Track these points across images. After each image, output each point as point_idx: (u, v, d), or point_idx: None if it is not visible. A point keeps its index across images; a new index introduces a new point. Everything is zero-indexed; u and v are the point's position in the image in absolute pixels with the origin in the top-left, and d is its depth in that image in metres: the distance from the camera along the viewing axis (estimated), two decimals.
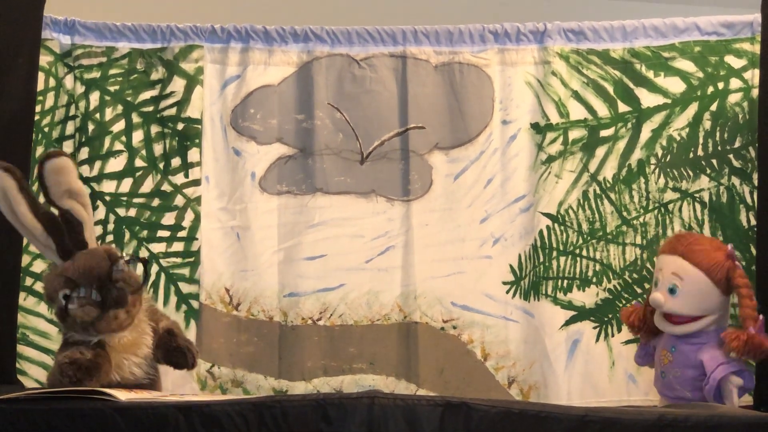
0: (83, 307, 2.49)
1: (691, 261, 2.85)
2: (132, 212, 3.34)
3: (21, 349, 3.21)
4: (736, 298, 2.83)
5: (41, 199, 2.61)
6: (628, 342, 3.26)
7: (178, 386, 2.78)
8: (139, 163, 3.36)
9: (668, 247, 2.94)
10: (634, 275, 3.29)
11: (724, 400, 2.78)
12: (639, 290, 3.28)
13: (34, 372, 3.25)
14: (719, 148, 3.32)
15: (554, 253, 3.34)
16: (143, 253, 3.32)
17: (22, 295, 3.21)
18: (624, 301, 3.28)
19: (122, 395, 2.25)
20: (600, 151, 3.36)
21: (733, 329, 2.80)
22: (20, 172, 2.54)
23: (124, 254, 2.61)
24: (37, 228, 2.55)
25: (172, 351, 2.65)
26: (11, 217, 2.54)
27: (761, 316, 2.76)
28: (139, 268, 2.64)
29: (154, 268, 3.33)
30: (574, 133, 3.36)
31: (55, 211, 2.59)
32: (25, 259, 3.22)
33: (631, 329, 3.06)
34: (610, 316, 3.29)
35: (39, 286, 3.24)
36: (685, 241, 2.91)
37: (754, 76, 3.28)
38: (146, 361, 2.61)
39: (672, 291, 2.86)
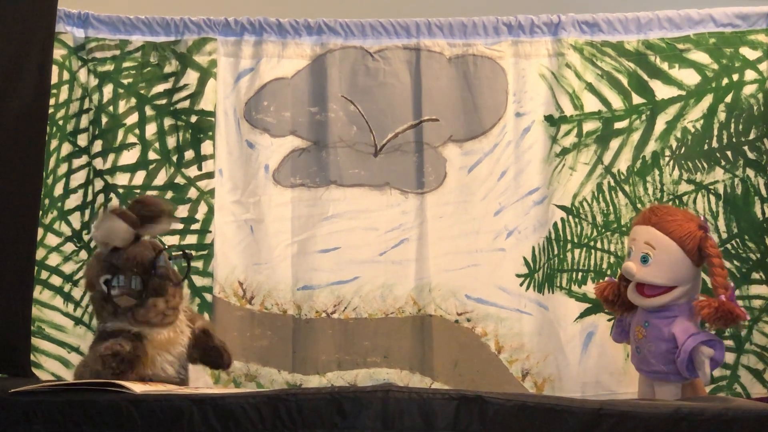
0: (124, 293, 2.50)
1: (663, 231, 2.85)
2: None
3: (36, 342, 3.23)
4: (708, 267, 2.83)
5: None
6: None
7: (192, 380, 2.78)
8: (152, 155, 3.37)
9: (642, 218, 2.94)
10: None
11: (696, 371, 2.78)
12: None
13: (50, 365, 3.27)
14: (734, 139, 3.31)
15: (568, 246, 3.34)
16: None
17: (37, 288, 3.23)
18: None
19: (137, 387, 2.25)
20: (614, 143, 3.35)
21: (704, 298, 2.80)
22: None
23: (168, 247, 2.63)
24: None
25: (210, 350, 2.67)
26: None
27: (732, 284, 2.77)
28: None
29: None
30: (588, 126, 3.35)
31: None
32: (41, 253, 3.24)
33: (605, 304, 3.04)
34: None
35: (54, 280, 3.27)
36: (658, 211, 2.91)
37: None
38: (179, 359, 2.62)
39: (644, 260, 2.86)
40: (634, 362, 2.97)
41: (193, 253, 3.31)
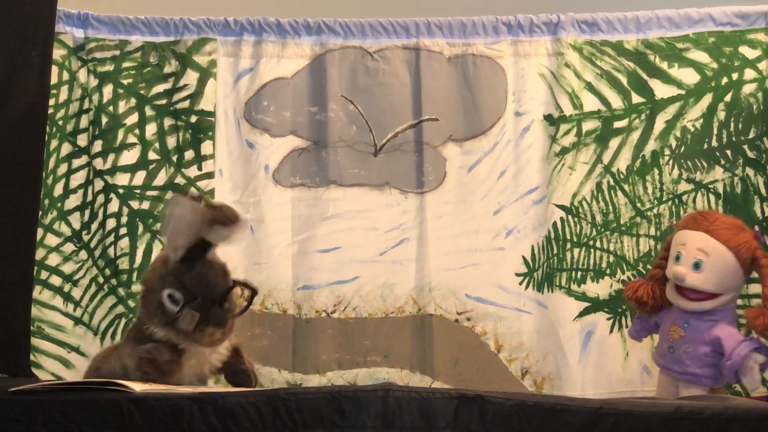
0: (190, 319, 2.49)
1: (718, 238, 2.84)
2: (145, 205, 3.35)
3: (36, 342, 3.23)
4: (761, 278, 2.82)
5: None
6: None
7: None
8: (152, 155, 3.37)
9: (692, 223, 2.91)
10: (648, 266, 3.27)
11: (741, 377, 2.77)
12: None
13: (50, 365, 3.27)
14: (733, 138, 3.31)
15: (568, 245, 3.34)
16: (157, 247, 3.33)
17: (37, 288, 3.23)
18: None
19: (137, 387, 2.25)
20: (614, 143, 3.35)
21: (757, 307, 2.79)
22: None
23: (237, 279, 2.61)
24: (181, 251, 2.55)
25: (239, 373, 2.67)
26: (179, 235, 2.52)
27: None
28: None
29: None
30: (588, 125, 3.36)
31: None
32: (40, 253, 3.24)
33: (637, 304, 3.00)
34: (624, 307, 3.29)
35: (54, 280, 3.27)
36: (710, 218, 2.90)
37: None
38: (208, 375, 2.62)
39: (697, 266, 2.84)
40: (662, 361, 2.95)
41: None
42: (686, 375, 2.86)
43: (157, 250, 3.33)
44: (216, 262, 2.59)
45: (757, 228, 2.91)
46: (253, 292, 2.63)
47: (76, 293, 3.33)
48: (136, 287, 3.30)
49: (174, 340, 2.52)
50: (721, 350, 2.81)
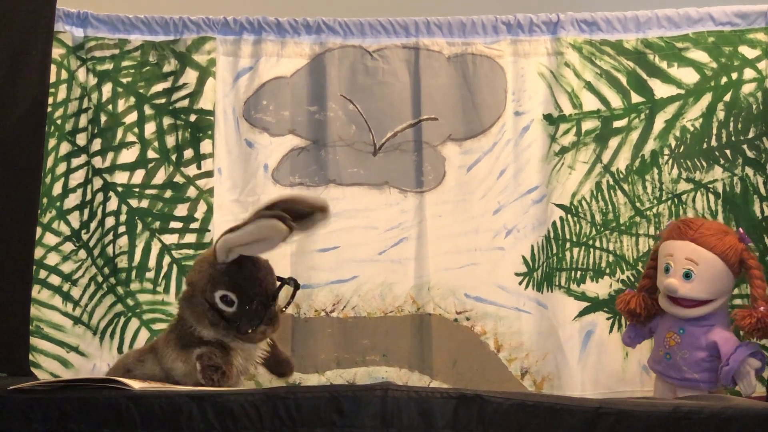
0: (247, 320, 2.50)
1: (705, 246, 2.84)
2: (144, 203, 3.35)
3: (35, 341, 3.23)
4: (748, 279, 2.84)
5: None
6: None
7: None
8: (151, 154, 3.37)
9: (676, 233, 2.92)
10: None
11: (738, 381, 2.78)
12: None
13: (49, 365, 3.27)
14: (733, 138, 3.31)
15: (567, 244, 3.34)
16: (156, 245, 3.33)
17: (36, 287, 3.23)
18: None
19: (136, 384, 2.25)
20: (613, 142, 3.35)
21: (744, 309, 2.80)
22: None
23: (282, 277, 2.63)
24: (248, 252, 2.55)
25: (281, 362, 2.71)
26: (246, 242, 2.52)
27: None
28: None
29: (166, 260, 3.34)
30: (587, 124, 3.36)
31: None
32: (39, 252, 3.24)
33: (630, 316, 3.02)
34: None
35: (53, 279, 3.27)
36: (694, 225, 2.91)
37: (767, 66, 3.28)
38: (249, 371, 2.62)
39: (687, 276, 2.84)
40: (659, 368, 2.95)
41: (192, 252, 3.33)
42: (684, 381, 2.86)
43: (155, 248, 3.33)
44: (262, 260, 2.60)
45: (741, 230, 2.92)
46: (297, 287, 2.64)
47: (75, 292, 3.32)
48: (135, 285, 3.31)
49: (224, 340, 2.52)
50: (717, 355, 2.82)
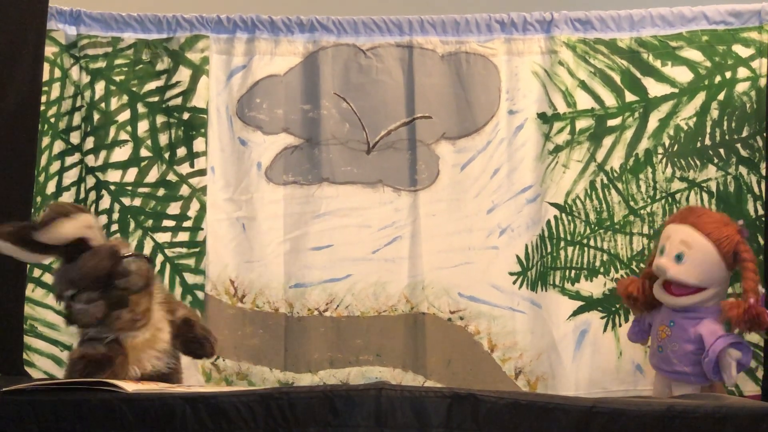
0: (85, 311, 2.48)
1: (701, 231, 2.85)
2: (137, 202, 3.34)
3: (29, 340, 3.23)
4: (741, 271, 2.82)
5: None
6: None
7: (184, 378, 2.78)
8: (144, 152, 3.36)
9: (678, 217, 2.94)
10: (642, 265, 3.27)
11: (722, 373, 2.78)
12: None
13: (43, 363, 3.26)
14: (727, 137, 3.31)
15: (561, 244, 3.33)
16: (148, 243, 3.32)
17: (30, 286, 3.23)
18: None
19: (130, 386, 2.25)
20: (607, 141, 3.35)
21: (732, 299, 2.80)
22: (12, 229, 2.48)
23: (127, 252, 2.57)
24: (42, 257, 2.56)
25: (190, 342, 2.66)
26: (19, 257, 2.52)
27: (763, 290, 2.77)
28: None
29: (159, 258, 3.33)
30: (581, 123, 3.35)
31: None
32: None
33: (628, 301, 3.03)
34: (618, 306, 3.29)
35: (47, 278, 3.26)
36: (696, 212, 2.93)
37: (761, 65, 3.29)
38: (166, 353, 2.60)
39: (679, 258, 2.85)
40: (654, 361, 2.97)
41: (185, 250, 3.33)
42: (676, 374, 2.87)
43: (148, 246, 3.33)
44: (102, 247, 2.56)
45: (741, 222, 2.91)
46: (147, 260, 2.60)
47: None
48: None
49: (101, 335, 2.51)
50: (704, 347, 2.82)
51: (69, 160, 3.35)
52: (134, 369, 2.52)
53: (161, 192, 3.35)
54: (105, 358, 2.45)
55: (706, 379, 2.83)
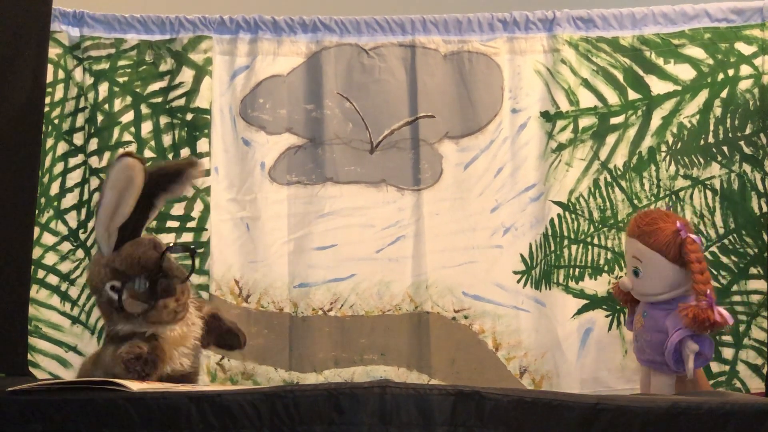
0: (134, 299, 2.48)
1: (646, 243, 2.88)
2: None
3: (34, 341, 3.23)
4: (689, 273, 2.83)
5: None
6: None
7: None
8: (148, 153, 3.36)
9: (629, 230, 2.97)
10: None
11: (684, 365, 2.79)
12: None
13: (47, 364, 3.27)
14: (730, 134, 3.31)
15: (565, 242, 3.34)
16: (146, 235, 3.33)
17: (34, 287, 3.23)
18: None
19: (134, 385, 2.25)
20: (610, 139, 3.35)
21: (687, 304, 2.79)
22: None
23: (170, 243, 2.58)
24: (119, 220, 2.51)
25: (224, 334, 2.66)
26: (119, 200, 2.48)
27: (709, 291, 2.77)
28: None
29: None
30: (584, 121, 3.36)
31: None
32: (37, 252, 3.24)
33: (618, 298, 3.08)
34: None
35: (51, 279, 3.27)
36: (641, 222, 2.93)
37: (764, 62, 3.29)
38: (194, 351, 2.60)
39: (635, 273, 2.91)
40: (635, 351, 3.01)
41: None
42: (650, 363, 2.91)
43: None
44: (143, 237, 2.56)
45: (679, 222, 2.88)
46: (192, 251, 2.62)
47: (73, 292, 3.33)
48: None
49: (140, 329, 2.51)
50: None
51: (72, 162, 3.36)
52: (167, 368, 2.52)
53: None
54: (155, 357, 2.46)
55: (678, 369, 2.84)
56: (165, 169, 2.57)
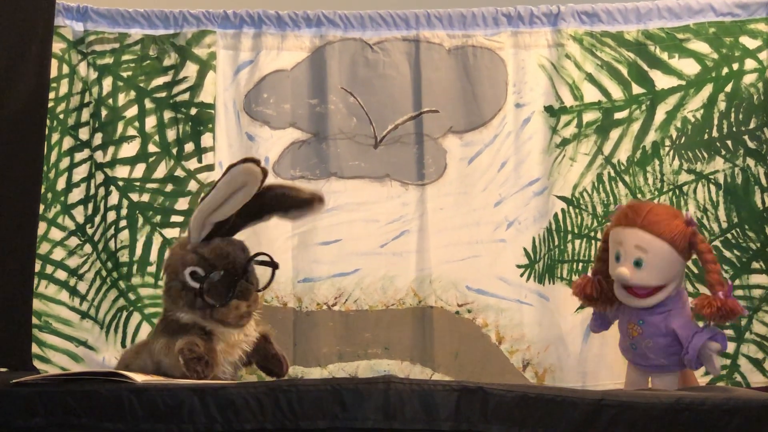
0: (215, 290, 2.49)
1: (652, 232, 2.80)
2: (145, 197, 3.35)
3: (44, 336, 3.24)
4: (702, 264, 2.81)
5: None
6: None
7: None
8: (152, 148, 3.37)
9: (624, 220, 2.87)
10: None
11: (704, 365, 2.79)
12: None
13: (58, 359, 3.27)
14: (734, 129, 3.31)
15: (569, 236, 3.34)
16: (157, 239, 3.33)
17: (42, 283, 3.24)
18: None
19: (138, 377, 2.25)
20: (614, 134, 3.35)
21: (703, 296, 2.76)
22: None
23: (259, 252, 2.60)
24: (218, 217, 2.52)
25: (270, 358, 2.66)
26: (232, 201, 2.51)
27: (729, 281, 2.76)
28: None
29: (167, 254, 3.33)
30: (588, 116, 3.35)
31: None
32: (45, 247, 3.25)
33: (586, 301, 2.99)
34: None
35: (60, 274, 3.28)
36: (640, 211, 2.85)
37: None
38: (239, 362, 2.61)
39: (638, 264, 2.81)
40: (628, 356, 2.95)
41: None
42: (654, 367, 2.87)
43: (156, 242, 3.33)
44: (234, 238, 2.59)
45: (687, 213, 2.86)
46: (275, 266, 2.62)
47: (82, 287, 3.33)
48: (136, 279, 3.31)
49: (201, 323, 2.51)
50: (679, 340, 2.81)
51: (78, 157, 3.36)
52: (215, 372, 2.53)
53: (169, 188, 3.36)
54: (213, 360, 2.47)
55: (683, 366, 2.84)
56: (294, 192, 2.60)
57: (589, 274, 2.99)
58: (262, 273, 2.62)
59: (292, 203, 2.58)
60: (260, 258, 2.59)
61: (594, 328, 3.09)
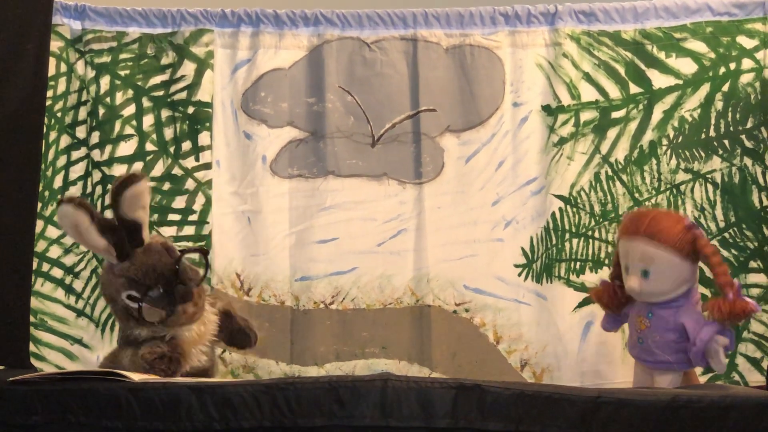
0: (154, 309, 2.49)
1: (656, 243, 2.81)
2: None
3: (40, 334, 3.24)
4: (709, 267, 2.80)
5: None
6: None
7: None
8: (149, 147, 3.37)
9: (629, 230, 2.89)
10: None
11: (708, 360, 2.78)
12: None
13: (54, 357, 3.27)
14: (731, 128, 3.31)
15: (567, 235, 3.34)
16: (155, 239, 3.33)
17: (39, 281, 3.24)
18: None
19: (135, 376, 2.26)
20: (612, 133, 3.35)
21: (712, 300, 2.77)
22: (89, 204, 2.55)
23: (182, 249, 2.62)
24: (102, 243, 2.53)
25: (235, 333, 2.68)
26: (79, 240, 2.56)
27: (737, 281, 2.75)
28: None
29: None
30: (586, 115, 3.36)
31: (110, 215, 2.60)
32: (41, 245, 3.25)
33: (606, 309, 3.04)
34: None
35: (56, 272, 3.28)
36: (643, 220, 2.86)
37: (766, 56, 3.29)
38: (210, 347, 2.62)
39: (645, 274, 2.83)
40: (634, 352, 2.96)
41: (191, 244, 3.32)
42: (658, 363, 2.86)
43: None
44: (153, 243, 2.60)
45: (687, 219, 2.87)
46: (204, 253, 2.66)
47: (78, 285, 3.33)
48: None
49: (159, 333, 2.52)
50: (687, 336, 2.81)
51: (75, 155, 3.36)
52: (186, 365, 2.54)
53: (166, 186, 3.36)
54: (177, 356, 2.48)
55: (688, 365, 2.84)
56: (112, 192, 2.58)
57: (607, 279, 3.03)
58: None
59: (116, 198, 2.56)
60: (187, 255, 2.60)
61: (606, 326, 3.10)
